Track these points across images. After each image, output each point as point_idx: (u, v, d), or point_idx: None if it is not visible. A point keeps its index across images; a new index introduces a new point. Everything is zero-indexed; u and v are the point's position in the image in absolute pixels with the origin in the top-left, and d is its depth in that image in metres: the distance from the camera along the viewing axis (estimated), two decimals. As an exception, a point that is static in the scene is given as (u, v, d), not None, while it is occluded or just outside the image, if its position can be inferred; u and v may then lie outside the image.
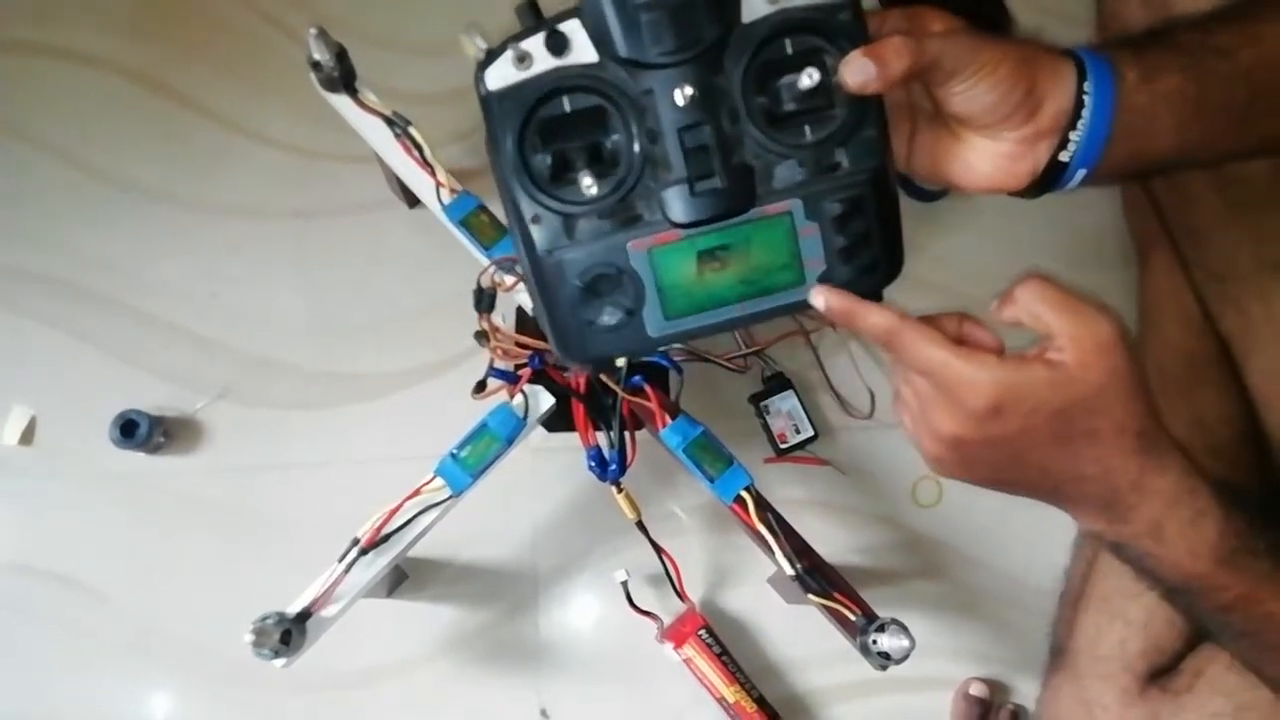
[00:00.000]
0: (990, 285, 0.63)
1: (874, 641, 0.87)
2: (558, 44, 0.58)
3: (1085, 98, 0.62)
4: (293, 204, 1.33)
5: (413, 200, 1.26)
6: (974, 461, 0.63)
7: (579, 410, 0.99)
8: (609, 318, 0.62)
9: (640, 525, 1.02)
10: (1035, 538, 1.22)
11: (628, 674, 1.22)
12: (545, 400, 0.99)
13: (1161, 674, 1.03)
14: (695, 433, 0.97)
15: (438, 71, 1.33)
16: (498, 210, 0.90)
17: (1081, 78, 0.62)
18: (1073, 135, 0.63)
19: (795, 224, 0.61)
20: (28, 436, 1.26)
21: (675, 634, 1.17)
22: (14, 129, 1.34)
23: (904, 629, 0.87)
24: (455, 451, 0.95)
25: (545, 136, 0.59)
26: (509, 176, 0.60)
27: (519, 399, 0.97)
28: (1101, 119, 0.62)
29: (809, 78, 0.58)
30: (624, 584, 1.10)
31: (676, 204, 0.60)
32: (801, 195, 0.61)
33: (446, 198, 1.02)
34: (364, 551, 0.91)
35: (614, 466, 0.98)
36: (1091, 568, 1.11)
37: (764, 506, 0.96)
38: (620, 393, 0.95)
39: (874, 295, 0.63)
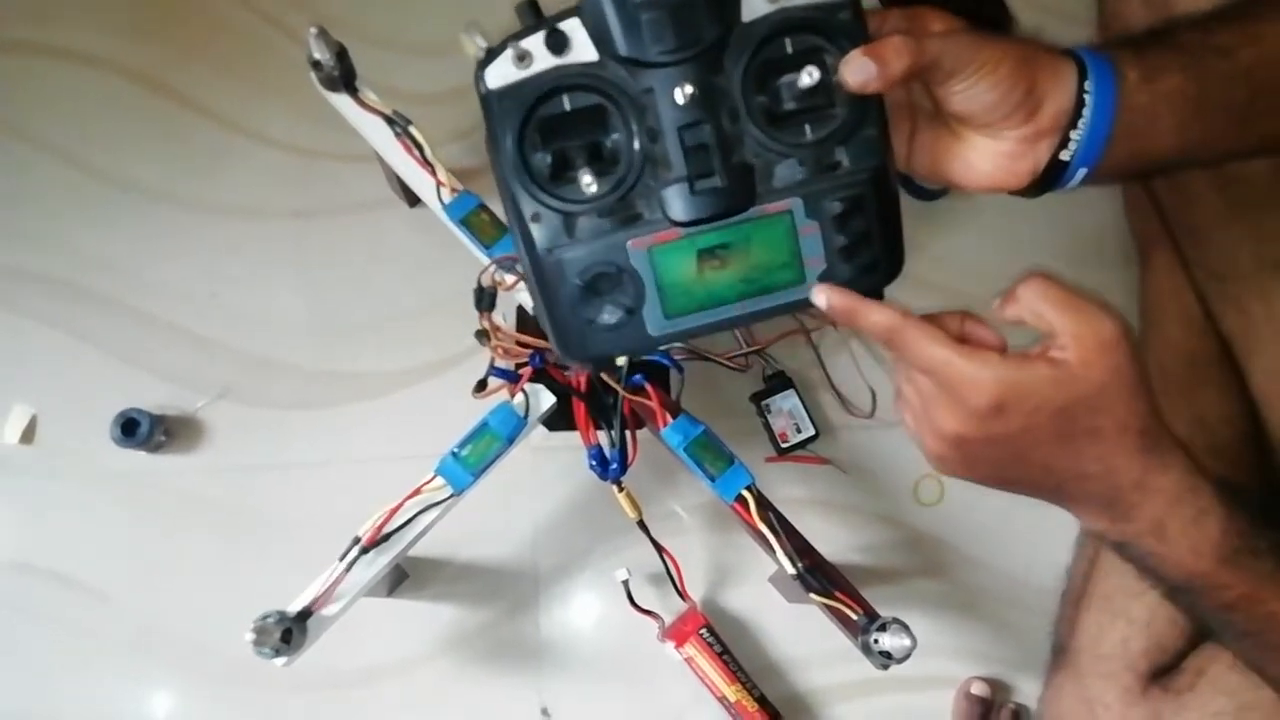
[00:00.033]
0: (991, 284, 0.63)
1: (875, 641, 0.87)
2: (558, 43, 0.58)
3: (1086, 97, 0.62)
4: (293, 204, 1.33)
5: (413, 199, 1.26)
6: (976, 460, 0.63)
7: (580, 409, 0.99)
8: (609, 316, 0.62)
9: (641, 524, 1.02)
10: (1037, 537, 1.22)
11: (629, 673, 1.22)
12: (546, 399, 0.99)
13: (1164, 673, 1.03)
14: (696, 432, 0.97)
15: (438, 71, 1.33)
16: (498, 209, 0.90)
17: (1082, 77, 0.62)
18: (1073, 134, 0.63)
19: (795, 223, 0.61)
20: (28, 435, 1.26)
21: (676, 633, 1.17)
22: (14, 129, 1.34)
23: (905, 628, 0.87)
24: (456, 450, 0.95)
25: (545, 135, 0.59)
26: (509, 175, 0.60)
27: (520, 398, 0.97)
28: (1102, 118, 0.62)
29: (809, 76, 0.58)
30: (625, 583, 1.10)
31: (676, 202, 0.60)
32: (802, 194, 0.61)
33: (447, 197, 1.01)
34: (365, 550, 0.91)
35: (615, 465, 0.98)
36: (1093, 566, 1.11)
37: (765, 505, 0.96)
38: (621, 391, 0.95)
39: (875, 294, 0.63)
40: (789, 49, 0.59)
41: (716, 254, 0.61)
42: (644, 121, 0.59)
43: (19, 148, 1.33)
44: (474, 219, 1.01)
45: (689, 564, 1.17)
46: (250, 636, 0.84)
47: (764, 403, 1.25)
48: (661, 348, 0.66)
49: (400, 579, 1.20)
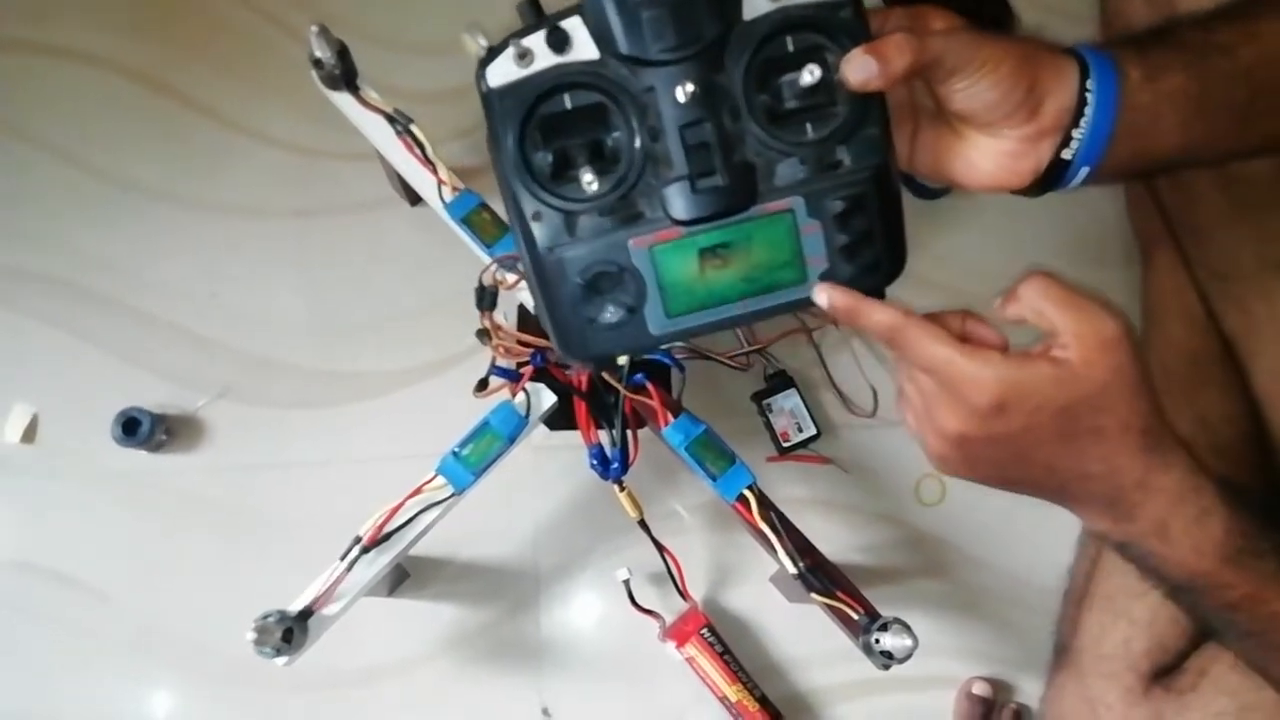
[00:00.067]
0: (993, 283, 0.63)
1: (877, 640, 0.87)
2: (559, 41, 0.58)
3: (1088, 95, 0.62)
4: (293, 203, 1.33)
5: (414, 198, 1.26)
6: (978, 460, 0.63)
7: (581, 408, 0.99)
8: (610, 315, 0.62)
9: (642, 524, 1.02)
10: (1039, 536, 1.22)
11: (630, 673, 1.22)
12: (547, 398, 0.99)
13: (1165, 673, 1.02)
14: (697, 431, 0.97)
15: (439, 69, 1.33)
16: (499, 208, 0.90)
17: (1084, 76, 0.62)
18: (1075, 133, 0.63)
19: (797, 222, 0.61)
20: (29, 434, 1.25)
21: (677, 633, 1.17)
22: (14, 128, 1.34)
23: (907, 628, 0.87)
24: (457, 450, 0.95)
25: (546, 134, 0.59)
26: (510, 174, 0.60)
27: (521, 397, 0.97)
28: (1104, 117, 0.62)
29: (810, 74, 0.58)
30: (626, 582, 1.10)
31: (678, 201, 0.59)
32: (803, 193, 0.60)
33: (448, 195, 1.01)
34: (366, 550, 0.91)
35: (616, 465, 0.98)
36: (1095, 566, 1.11)
37: (766, 505, 0.96)
38: (622, 391, 0.95)
39: (877, 294, 0.63)
40: (790, 47, 0.59)
41: (718, 253, 0.61)
42: (645, 120, 0.59)
43: (19, 147, 1.33)
44: (475, 218, 1.01)
45: (690, 564, 1.17)
46: (251, 636, 0.84)
47: (765, 402, 1.25)
48: (663, 347, 0.66)
49: (401, 578, 1.20)
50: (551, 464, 1.25)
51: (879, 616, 0.89)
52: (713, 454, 0.97)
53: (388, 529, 0.92)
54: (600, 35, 0.58)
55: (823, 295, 0.62)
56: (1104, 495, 0.62)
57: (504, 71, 0.58)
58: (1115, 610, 1.07)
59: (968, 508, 1.26)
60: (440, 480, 0.93)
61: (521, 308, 1.15)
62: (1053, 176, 0.64)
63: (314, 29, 0.95)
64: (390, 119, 1.01)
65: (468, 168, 1.10)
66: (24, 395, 1.26)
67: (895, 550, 1.26)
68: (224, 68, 1.37)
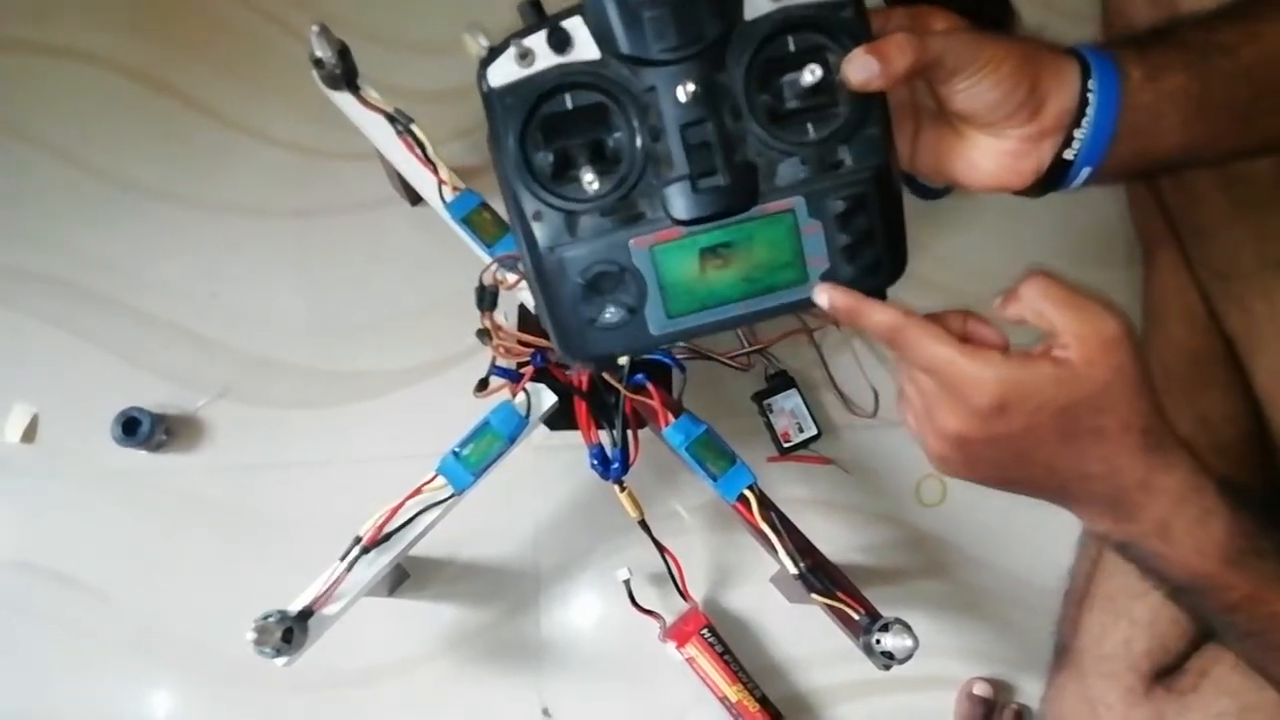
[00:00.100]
0: (994, 284, 0.63)
1: (877, 641, 0.87)
2: (560, 41, 0.57)
3: (1089, 96, 0.62)
4: (294, 202, 1.33)
5: (415, 198, 1.26)
6: (978, 460, 0.63)
7: (581, 408, 0.99)
8: (611, 316, 0.62)
9: (643, 524, 1.02)
10: (1039, 537, 1.22)
11: (630, 673, 1.22)
12: (547, 398, 0.99)
13: (1166, 673, 1.02)
14: (698, 431, 0.97)
15: (439, 69, 1.32)
16: (500, 207, 0.90)
17: (1085, 76, 0.62)
18: (1077, 133, 0.62)
19: (798, 222, 0.61)
20: (29, 434, 1.25)
21: (678, 633, 1.17)
22: (13, 128, 1.34)
23: (907, 628, 0.87)
24: (457, 450, 0.94)
25: (547, 134, 0.59)
26: (511, 174, 0.60)
27: (521, 397, 0.97)
28: (1106, 117, 0.62)
29: (811, 74, 0.58)
30: (626, 583, 1.10)
31: (679, 201, 0.59)
32: (804, 193, 0.60)
33: (448, 195, 1.01)
34: (366, 550, 0.91)
35: (616, 465, 0.98)
36: (1096, 567, 1.11)
37: (767, 505, 0.96)
38: (623, 391, 0.95)
39: (878, 294, 0.63)
40: (791, 47, 0.59)
41: (719, 253, 0.61)
42: (646, 120, 0.58)
43: (19, 147, 1.33)
44: (475, 217, 1.01)
45: (690, 564, 1.17)
46: (251, 636, 0.84)
47: (766, 402, 1.25)
48: (663, 347, 0.66)
49: (401, 579, 1.20)
50: (552, 464, 1.25)
51: (880, 617, 0.89)
52: (713, 454, 0.97)
53: (388, 529, 0.92)
54: (601, 35, 0.57)
55: (823, 295, 0.62)
56: (1105, 496, 0.62)
57: (505, 71, 0.58)
58: (1116, 611, 1.07)
59: (968, 508, 1.26)
60: (440, 480, 0.93)
61: (522, 307, 1.15)
62: (1054, 177, 0.64)
63: (315, 28, 0.95)
64: (391, 118, 1.01)
65: (468, 167, 1.11)
66: (24, 395, 1.26)
67: (896, 550, 1.26)
68: (224, 67, 1.37)
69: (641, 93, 0.58)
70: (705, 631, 1.17)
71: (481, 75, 0.58)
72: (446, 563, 1.23)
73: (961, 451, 0.62)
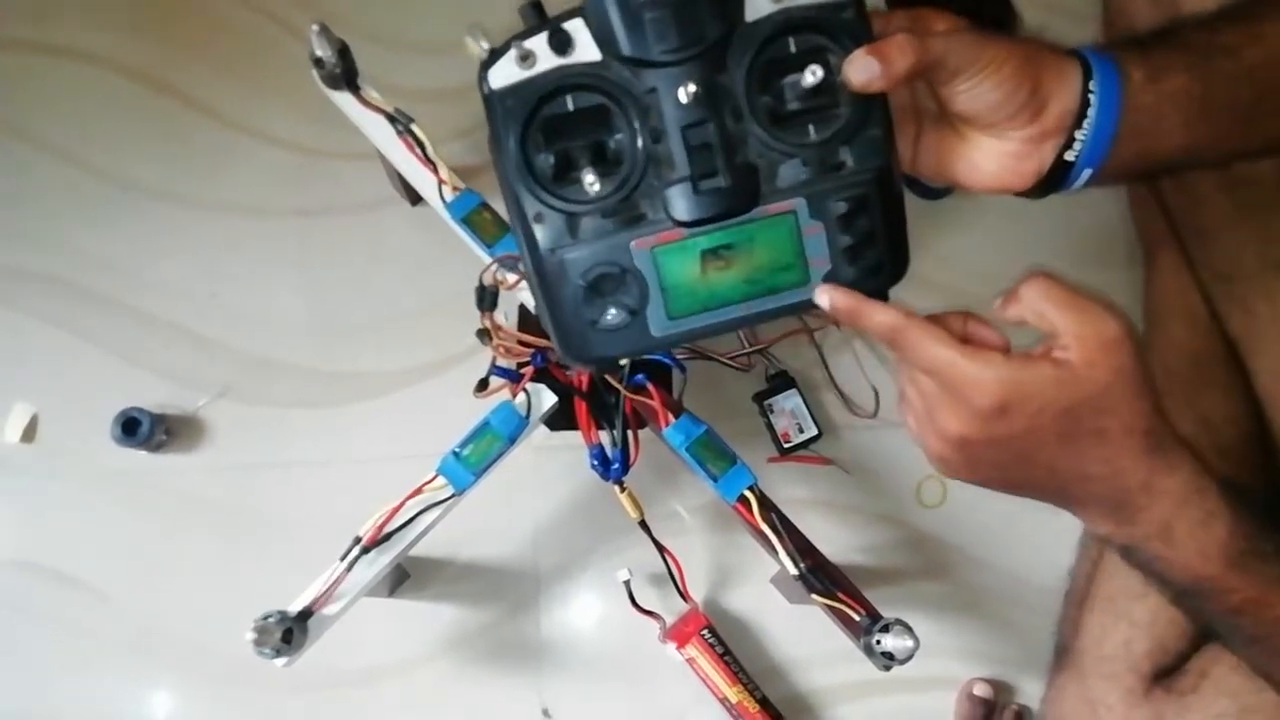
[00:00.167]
0: (995, 285, 0.63)
1: (878, 642, 0.86)
2: (561, 43, 0.57)
3: (1091, 97, 0.62)
4: (294, 202, 1.33)
5: (415, 197, 1.26)
6: (979, 462, 0.63)
7: (581, 409, 0.99)
8: (612, 317, 0.62)
9: (643, 524, 1.02)
10: (1040, 538, 1.22)
11: (630, 674, 1.22)
12: (548, 398, 0.99)
13: (1166, 674, 1.02)
14: (698, 431, 0.97)
15: (440, 69, 1.32)
16: (500, 207, 0.90)
17: (1087, 77, 0.62)
18: (1078, 134, 0.62)
19: (800, 223, 0.61)
20: (29, 434, 1.25)
21: (678, 634, 1.17)
22: (14, 128, 1.34)
23: (908, 629, 0.86)
24: (457, 450, 0.94)
25: (548, 135, 0.59)
26: (512, 175, 0.59)
27: (521, 397, 0.97)
28: (1107, 118, 0.62)
29: (812, 75, 0.58)
30: (626, 583, 1.10)
31: (680, 202, 0.59)
32: (806, 194, 0.60)
33: (449, 195, 1.01)
34: (366, 550, 0.91)
35: (617, 465, 0.98)
36: (1096, 568, 1.11)
37: (767, 506, 0.96)
38: (623, 391, 0.95)
39: (880, 296, 0.63)
40: (792, 48, 0.59)
41: (720, 254, 0.61)
42: (647, 121, 0.58)
43: (19, 147, 1.33)
44: (476, 217, 1.01)
45: (691, 564, 1.17)
46: (251, 636, 0.84)
47: (766, 402, 1.25)
48: (665, 349, 0.66)
49: (401, 579, 1.20)
50: (552, 464, 1.25)
51: (880, 617, 0.89)
52: (713, 454, 0.97)
53: (388, 529, 0.92)
54: (602, 37, 0.57)
55: (824, 296, 0.62)
56: (1107, 497, 0.62)
57: (506, 73, 0.58)
58: (1116, 612, 1.06)
59: (969, 509, 1.26)
60: (440, 480, 0.93)
61: (522, 307, 1.15)
62: (1056, 178, 0.64)
63: (315, 28, 0.95)
64: (391, 118, 1.01)
65: (468, 167, 1.11)
66: (24, 395, 1.26)
67: (896, 551, 1.26)
68: (224, 67, 1.36)
69: (643, 94, 0.58)
70: (705, 632, 1.17)
71: (482, 77, 0.58)
72: (447, 563, 1.23)
73: (962, 453, 0.62)
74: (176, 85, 1.35)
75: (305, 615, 0.88)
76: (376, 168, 1.23)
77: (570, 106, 0.59)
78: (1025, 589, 1.24)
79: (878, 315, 0.61)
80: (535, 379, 0.98)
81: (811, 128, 0.60)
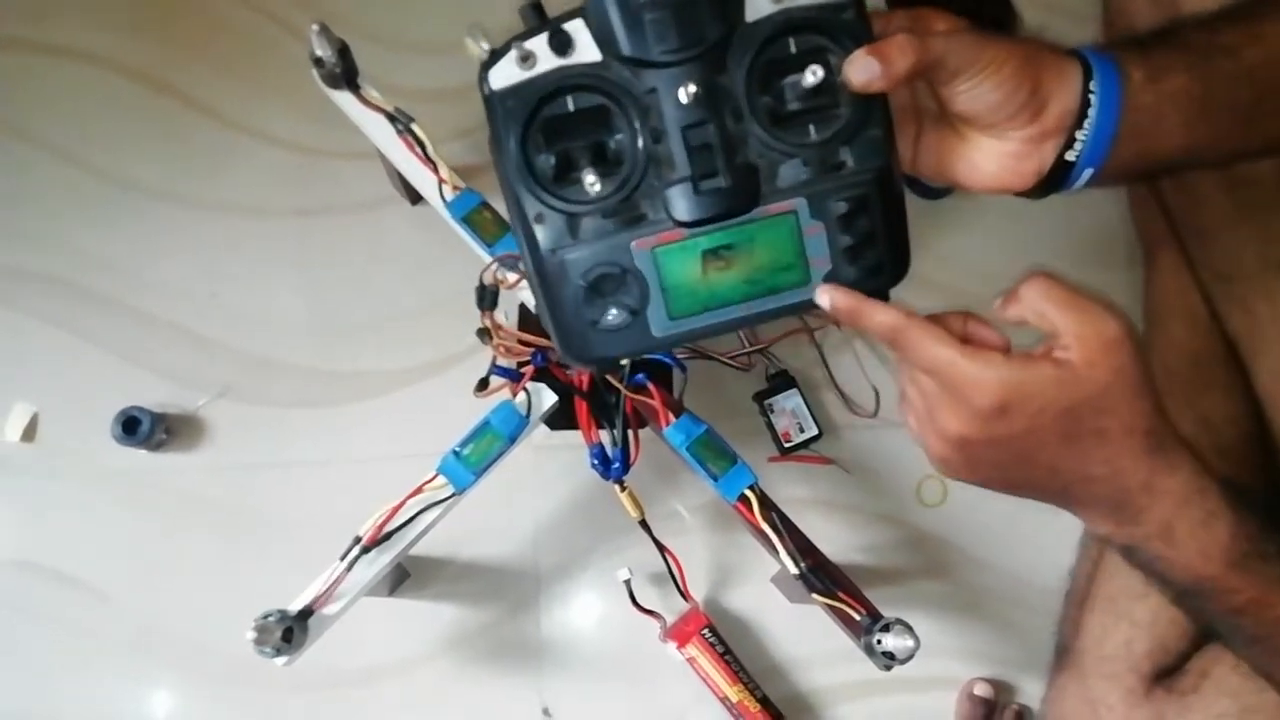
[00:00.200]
0: (995, 285, 0.63)
1: (878, 641, 0.86)
2: (561, 43, 0.57)
3: (1091, 97, 0.62)
4: (294, 202, 1.33)
5: (415, 197, 1.26)
6: (980, 462, 0.63)
7: (582, 408, 0.99)
8: (613, 318, 0.62)
9: (643, 524, 1.02)
10: (1041, 538, 1.22)
11: (630, 673, 1.22)
12: (548, 398, 0.99)
13: (1167, 674, 1.02)
14: (699, 431, 0.97)
15: (440, 69, 1.32)
16: (500, 206, 0.90)
17: (1087, 77, 0.62)
18: (1079, 135, 0.62)
19: (800, 223, 0.61)
20: (29, 434, 1.25)
21: (678, 633, 1.17)
22: (14, 128, 1.34)
23: (909, 629, 0.86)
24: (458, 449, 0.94)
25: (549, 136, 0.59)
26: (512, 176, 0.60)
27: (522, 396, 0.97)
28: (1108, 118, 0.62)
29: (813, 75, 0.58)
30: (627, 583, 1.10)
31: (680, 203, 0.59)
32: (806, 194, 0.60)
33: (449, 194, 1.01)
34: (366, 549, 0.91)
35: (617, 465, 0.98)
36: (1097, 568, 1.11)
37: (768, 505, 0.96)
38: (623, 391, 0.95)
39: (880, 296, 0.63)
40: (793, 49, 0.59)
41: (721, 255, 0.61)
42: (648, 122, 0.58)
43: (19, 147, 1.33)
44: (476, 217, 1.01)
45: (691, 564, 1.17)
46: (251, 635, 0.84)
47: (767, 402, 1.25)
48: (665, 349, 0.66)
49: (402, 578, 1.20)
50: (552, 464, 1.25)
51: (881, 617, 0.89)
52: (714, 454, 0.97)
53: (388, 528, 0.92)
54: (602, 37, 0.58)
55: (824, 296, 0.62)
56: (1108, 498, 0.62)
57: (507, 74, 0.58)
58: (1117, 612, 1.06)
59: (969, 509, 1.26)
60: (441, 480, 0.93)
61: (522, 307, 1.15)
62: (1056, 178, 0.64)
63: (315, 27, 0.95)
64: (391, 118, 1.01)
65: (469, 166, 1.10)
66: (24, 394, 1.26)
67: (897, 551, 1.26)
68: (224, 67, 1.36)
69: (643, 94, 0.58)
70: (706, 631, 1.17)
71: (483, 78, 0.58)
72: (447, 562, 1.23)
73: (963, 453, 0.62)
74: (177, 85, 1.35)
75: (306, 614, 0.89)
76: (376, 167, 1.23)
77: (571, 107, 0.59)
78: (1026, 589, 1.24)
79: (878, 315, 0.61)
80: (535, 378, 0.98)
81: (812, 128, 0.60)
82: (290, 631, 0.86)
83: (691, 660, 1.16)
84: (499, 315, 0.95)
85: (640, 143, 0.59)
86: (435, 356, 1.28)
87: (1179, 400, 1.07)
